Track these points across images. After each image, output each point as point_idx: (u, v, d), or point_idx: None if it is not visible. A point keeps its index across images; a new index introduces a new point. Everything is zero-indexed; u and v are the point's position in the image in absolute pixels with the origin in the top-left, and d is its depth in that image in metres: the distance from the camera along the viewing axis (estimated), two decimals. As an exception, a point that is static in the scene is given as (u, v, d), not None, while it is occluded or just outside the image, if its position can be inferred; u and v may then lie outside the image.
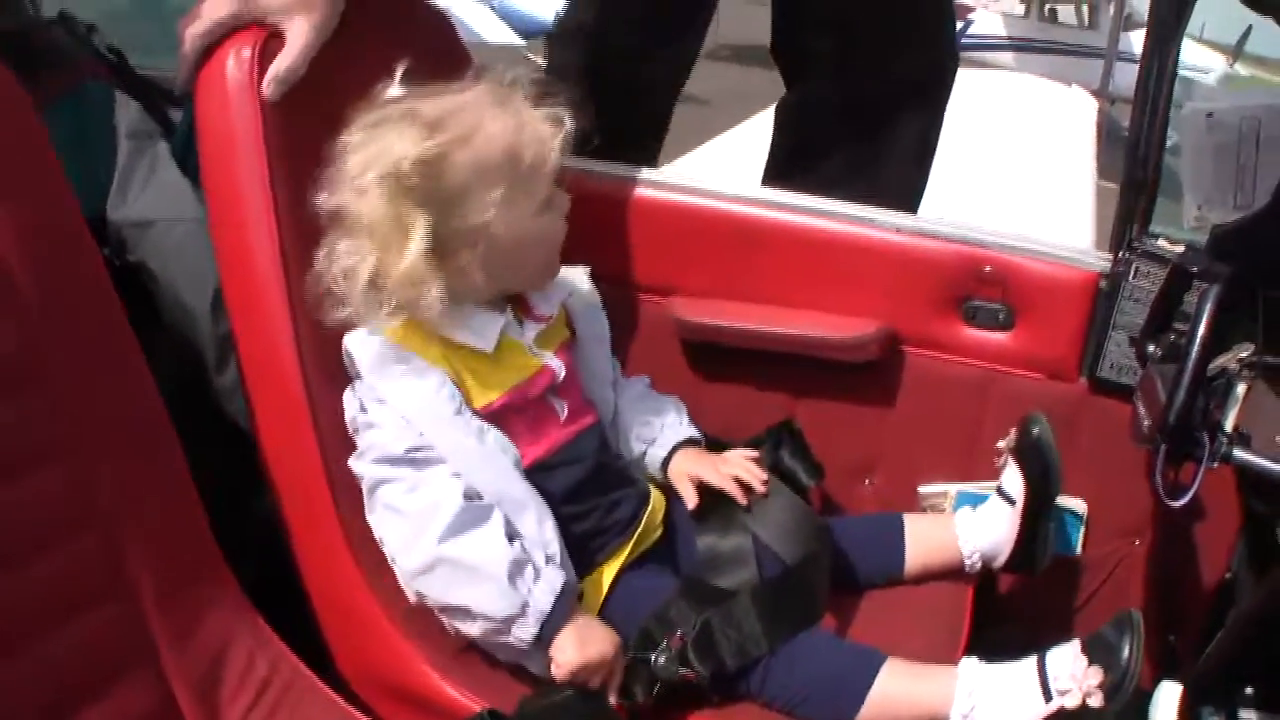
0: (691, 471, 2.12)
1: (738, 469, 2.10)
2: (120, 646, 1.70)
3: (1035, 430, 2.11)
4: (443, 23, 2.39)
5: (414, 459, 1.84)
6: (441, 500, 1.81)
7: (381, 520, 1.87)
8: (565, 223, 1.99)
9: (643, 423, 2.18)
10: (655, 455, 2.16)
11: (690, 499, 2.10)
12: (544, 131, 1.92)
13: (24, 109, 1.69)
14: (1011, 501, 2.13)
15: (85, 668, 1.65)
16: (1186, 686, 1.67)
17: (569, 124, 1.95)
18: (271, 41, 1.90)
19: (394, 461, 1.84)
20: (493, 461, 1.86)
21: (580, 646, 1.80)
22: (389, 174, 1.80)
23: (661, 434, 2.18)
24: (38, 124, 1.71)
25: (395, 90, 1.90)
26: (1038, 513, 2.11)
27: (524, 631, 1.80)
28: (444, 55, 2.16)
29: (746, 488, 2.09)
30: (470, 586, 1.81)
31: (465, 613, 1.83)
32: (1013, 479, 2.14)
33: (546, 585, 1.80)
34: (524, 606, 1.79)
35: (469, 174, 1.84)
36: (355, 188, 1.81)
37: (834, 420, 2.41)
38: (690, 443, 2.18)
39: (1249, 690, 1.66)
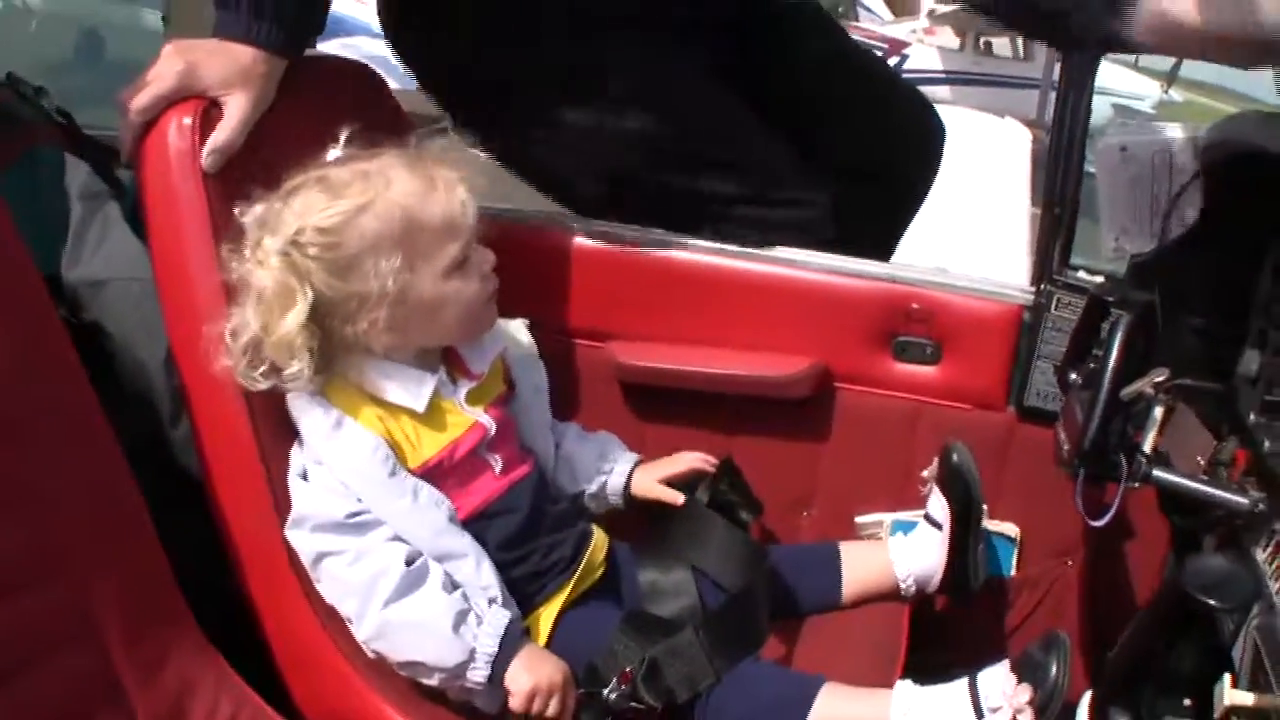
0: (658, 476, 2.23)
1: (690, 455, 2.26)
2: (89, 691, 1.73)
3: (955, 457, 2.18)
4: (376, 83, 2.42)
5: (355, 524, 1.87)
6: (384, 569, 1.85)
7: (329, 592, 1.90)
8: (488, 280, 2.01)
9: (595, 457, 2.25)
10: (615, 484, 2.24)
11: (673, 497, 2.21)
12: (453, 195, 1.94)
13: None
14: (939, 527, 2.21)
15: (56, 710, 1.69)
16: (1094, 690, 1.73)
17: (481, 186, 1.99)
18: (212, 110, 1.94)
19: (335, 528, 1.87)
20: (427, 518, 1.91)
21: (531, 672, 1.86)
22: (289, 242, 1.85)
23: (615, 463, 2.25)
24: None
25: (336, 153, 1.95)
26: (965, 535, 2.19)
27: (477, 675, 1.86)
28: (378, 116, 2.21)
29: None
30: (420, 643, 1.86)
31: (421, 666, 1.88)
32: (938, 505, 2.21)
33: (490, 628, 1.86)
34: (472, 653, 1.85)
35: (369, 240, 1.87)
36: (257, 258, 1.86)
37: (771, 456, 2.45)
38: (639, 464, 2.26)
39: (1153, 689, 1.71)
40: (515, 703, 1.86)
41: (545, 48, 2.43)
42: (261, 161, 1.95)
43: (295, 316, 1.85)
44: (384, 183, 1.90)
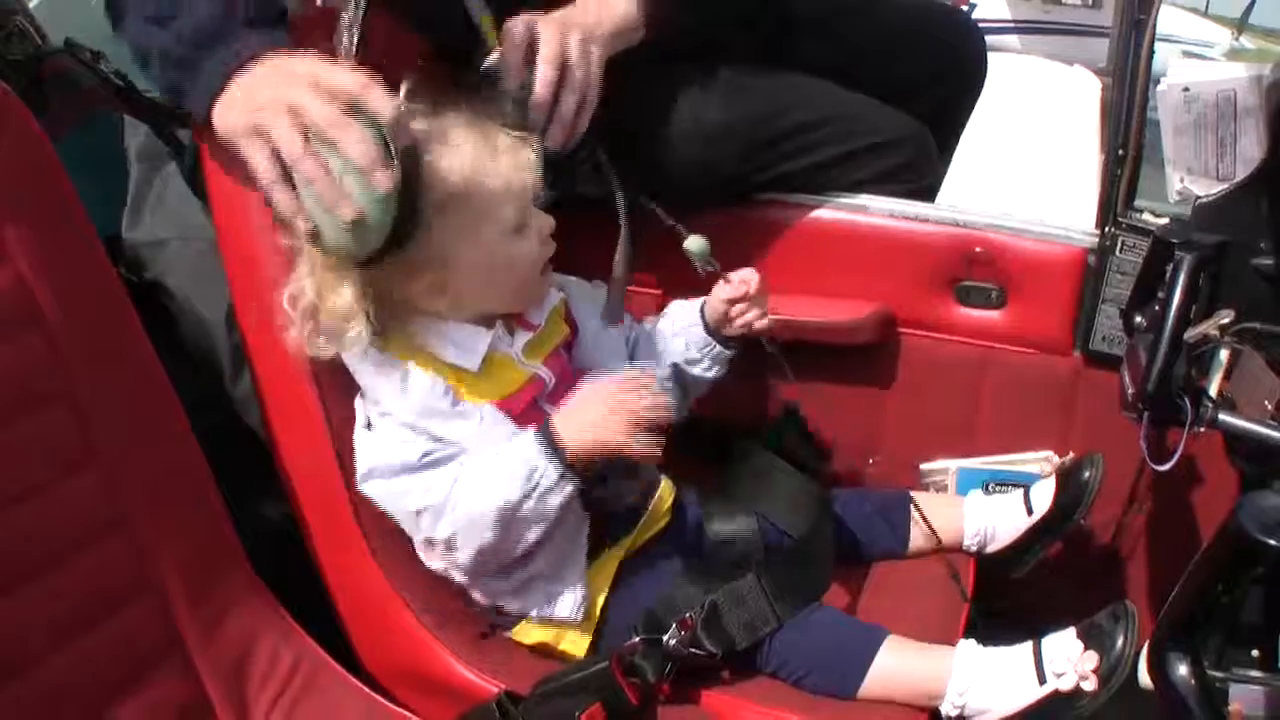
0: (714, 298, 2.15)
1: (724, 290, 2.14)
2: (151, 642, 1.77)
3: (1087, 474, 2.18)
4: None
5: (430, 462, 1.86)
6: (457, 476, 1.84)
7: (417, 527, 1.90)
8: (546, 245, 1.97)
9: (666, 326, 2.21)
10: (695, 336, 2.18)
11: (744, 274, 2.13)
12: (515, 159, 1.91)
13: (36, 139, 1.75)
14: (1031, 512, 2.21)
15: (119, 664, 1.72)
16: (1152, 633, 1.70)
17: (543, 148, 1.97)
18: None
19: (410, 471, 1.86)
20: (497, 433, 1.88)
21: (577, 415, 1.86)
22: None
23: (687, 318, 2.20)
24: (50, 152, 1.77)
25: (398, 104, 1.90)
26: (1048, 532, 2.20)
27: (550, 474, 1.83)
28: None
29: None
30: (488, 490, 1.83)
31: (515, 529, 1.86)
32: (1044, 493, 2.21)
33: (520, 441, 1.85)
34: (530, 471, 1.83)
35: (428, 202, 1.82)
36: None
37: (836, 403, 2.44)
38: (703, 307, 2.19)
39: (1220, 638, 1.69)
40: (592, 436, 1.85)
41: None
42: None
43: (351, 285, 1.83)
44: (443, 145, 1.87)
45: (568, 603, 1.94)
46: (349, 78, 1.74)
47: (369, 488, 1.89)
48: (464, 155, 1.87)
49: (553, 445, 1.84)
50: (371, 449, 1.90)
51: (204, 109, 1.83)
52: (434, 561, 1.97)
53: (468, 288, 1.91)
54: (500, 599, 1.98)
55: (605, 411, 1.85)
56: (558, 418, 1.87)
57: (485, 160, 1.89)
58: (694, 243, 2.11)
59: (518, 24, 2.06)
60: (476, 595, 1.99)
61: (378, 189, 1.71)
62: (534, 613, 1.96)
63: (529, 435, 1.86)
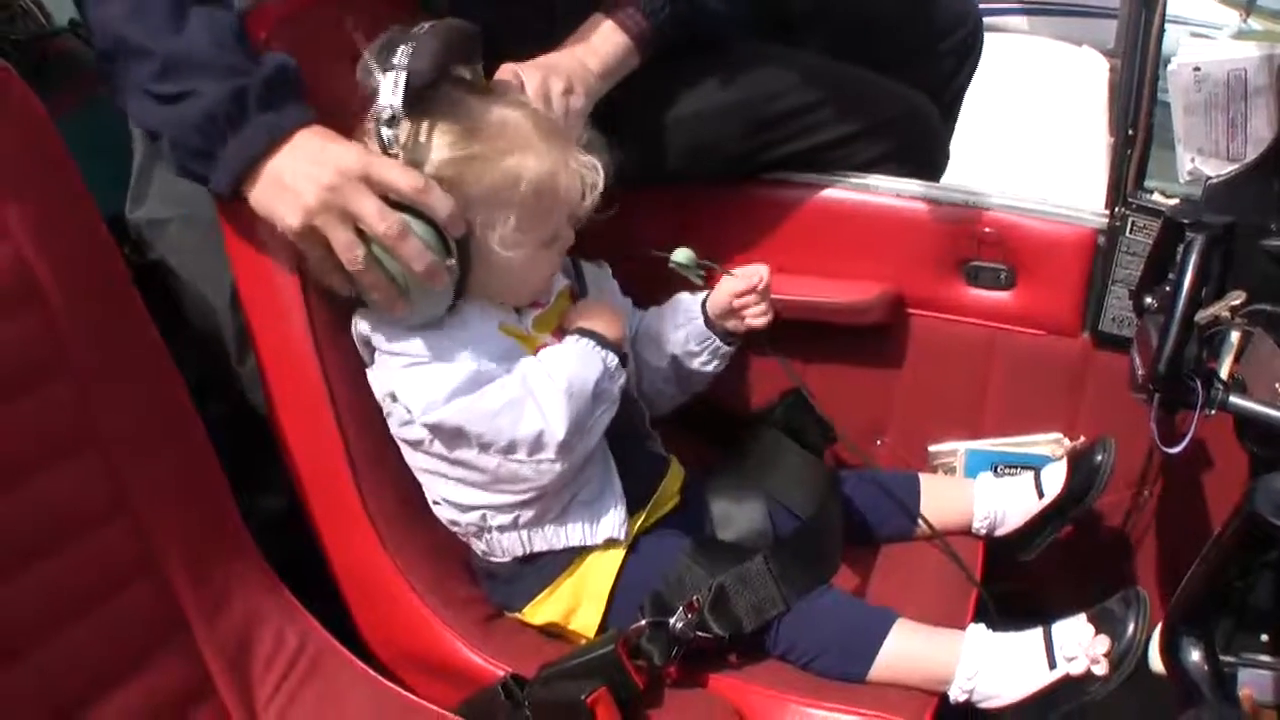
0: (719, 291, 2.15)
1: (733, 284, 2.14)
2: (154, 625, 1.76)
3: (1099, 457, 2.17)
4: None
5: (487, 376, 1.85)
6: (523, 370, 1.88)
7: (498, 430, 1.85)
8: (561, 257, 1.99)
9: (669, 316, 2.20)
10: (696, 329, 2.16)
11: (752, 269, 2.14)
12: (578, 178, 1.91)
13: (38, 117, 1.74)
14: (1042, 495, 2.20)
15: (121, 646, 1.71)
16: (1165, 618, 1.69)
17: (602, 175, 1.94)
18: (272, 43, 1.89)
19: (471, 382, 1.84)
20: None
21: (594, 313, 1.98)
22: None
23: (688, 311, 2.18)
24: (52, 131, 1.75)
25: (464, 74, 1.90)
26: (1060, 515, 2.19)
27: (611, 358, 1.92)
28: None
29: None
30: (580, 373, 1.88)
31: (599, 403, 1.90)
32: (1055, 476, 2.20)
33: (571, 339, 1.93)
34: (599, 357, 1.90)
35: (488, 189, 1.82)
36: None
37: (844, 383, 2.44)
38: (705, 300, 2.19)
39: (1230, 624, 1.69)
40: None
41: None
42: (333, 88, 1.89)
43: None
44: (520, 140, 1.86)
45: (610, 522, 1.96)
46: (404, 177, 1.75)
47: (432, 416, 1.85)
48: (542, 163, 1.87)
49: (599, 339, 1.92)
50: (420, 385, 1.86)
51: (226, 190, 1.82)
52: (472, 502, 1.95)
53: (489, 280, 1.91)
54: (542, 536, 1.96)
55: (601, 322, 1.95)
56: (577, 325, 1.95)
57: (554, 173, 1.88)
58: (680, 254, 2.12)
59: (504, 74, 2.04)
60: (512, 542, 1.97)
61: (435, 288, 1.80)
62: (578, 541, 1.96)
63: (574, 335, 1.93)
